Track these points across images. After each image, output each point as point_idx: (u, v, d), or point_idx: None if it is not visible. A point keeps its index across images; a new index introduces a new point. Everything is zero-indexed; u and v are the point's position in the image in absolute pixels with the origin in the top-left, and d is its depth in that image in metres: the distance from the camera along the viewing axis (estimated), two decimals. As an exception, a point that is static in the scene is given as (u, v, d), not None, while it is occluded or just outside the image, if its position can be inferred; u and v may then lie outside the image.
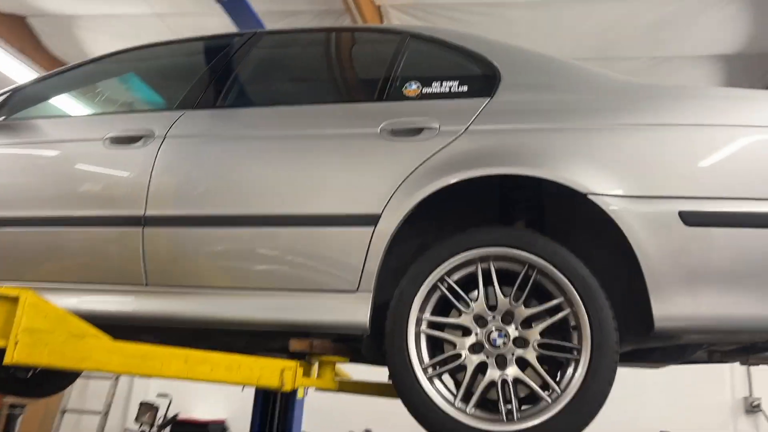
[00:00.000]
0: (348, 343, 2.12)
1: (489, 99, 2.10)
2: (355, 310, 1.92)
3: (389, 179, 1.99)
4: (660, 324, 1.73)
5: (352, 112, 2.21)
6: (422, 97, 2.18)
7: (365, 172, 2.04)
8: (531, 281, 1.87)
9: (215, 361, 1.73)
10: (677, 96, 2.01)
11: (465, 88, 2.18)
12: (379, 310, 1.92)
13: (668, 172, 1.84)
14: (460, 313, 1.90)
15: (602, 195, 1.83)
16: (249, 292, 2.04)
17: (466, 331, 1.89)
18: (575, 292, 1.79)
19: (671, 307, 1.73)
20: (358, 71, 2.57)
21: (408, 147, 2.03)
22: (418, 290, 1.89)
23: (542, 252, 1.84)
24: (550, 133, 1.97)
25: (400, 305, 1.88)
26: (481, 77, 2.21)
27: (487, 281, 1.91)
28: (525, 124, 2.01)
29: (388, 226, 1.94)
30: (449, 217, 2.11)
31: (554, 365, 1.90)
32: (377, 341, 1.94)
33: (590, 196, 1.83)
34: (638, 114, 1.95)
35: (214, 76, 2.41)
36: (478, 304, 1.89)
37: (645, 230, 1.78)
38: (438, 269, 1.90)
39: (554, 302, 1.85)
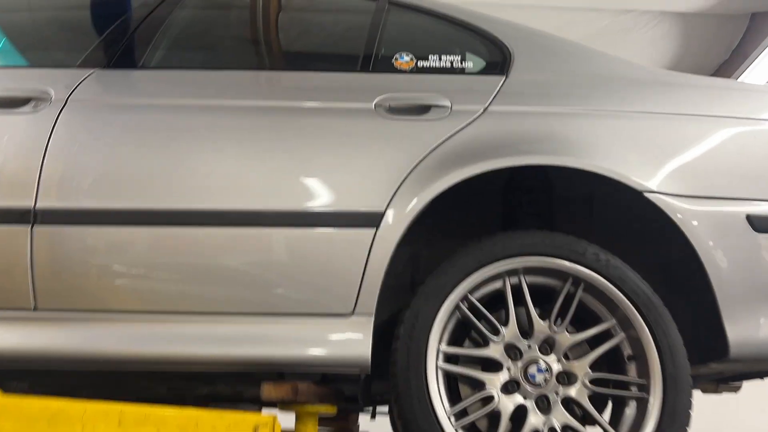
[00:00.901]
0: (333, 385, 1.61)
1: (504, 77, 1.75)
2: (350, 341, 1.45)
3: (393, 167, 1.56)
4: (737, 350, 1.45)
5: (333, 81, 1.75)
6: (418, 70, 1.79)
7: (361, 158, 1.59)
8: (576, 299, 1.51)
9: (163, 419, 1.16)
10: (724, 87, 1.79)
11: (470, 65, 1.82)
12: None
13: (731, 169, 1.59)
14: (485, 341, 1.49)
15: (661, 193, 1.53)
16: (193, 319, 1.49)
17: (493, 366, 1.49)
18: (637, 313, 1.47)
19: (750, 328, 1.46)
20: (332, 33, 2.11)
21: (414, 128, 1.62)
22: (437, 312, 1.46)
23: (594, 263, 1.50)
24: (588, 119, 1.65)
25: (416, 333, 1.44)
26: (485, 53, 1.87)
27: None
28: (555, 107, 1.69)
29: (394, 228, 1.50)
30: (438, 219, 1.70)
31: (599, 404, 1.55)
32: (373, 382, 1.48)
33: (647, 195, 1.53)
34: (688, 104, 1.70)
35: (139, 25, 1.83)
36: (510, 330, 1.51)
37: (712, 237, 1.51)
38: (462, 284, 1.49)
39: (604, 326, 1.52)
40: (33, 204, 1.50)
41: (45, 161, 1.54)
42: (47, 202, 1.51)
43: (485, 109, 1.66)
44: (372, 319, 1.47)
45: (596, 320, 1.55)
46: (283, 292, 1.50)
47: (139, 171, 1.55)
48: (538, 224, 1.81)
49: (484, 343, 1.51)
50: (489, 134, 1.62)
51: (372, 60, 1.82)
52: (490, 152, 1.58)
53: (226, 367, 1.48)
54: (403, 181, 1.54)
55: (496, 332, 1.49)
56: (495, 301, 1.57)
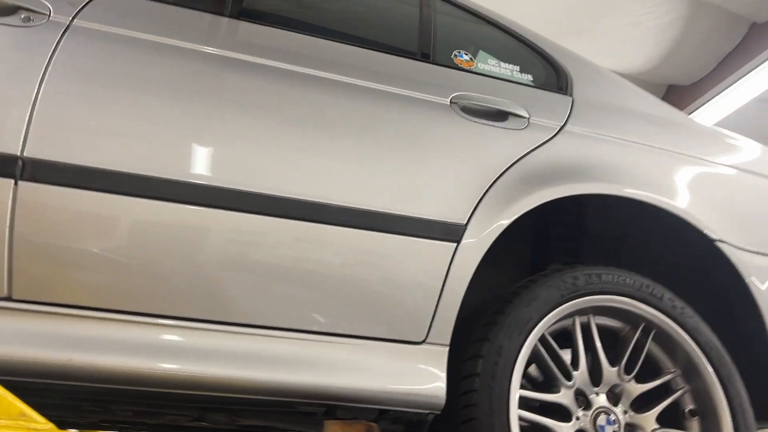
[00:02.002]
0: (397, 425, 1.37)
1: (571, 98, 1.66)
2: (421, 374, 1.25)
3: (474, 176, 1.40)
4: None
5: (399, 66, 1.54)
6: (481, 73, 1.64)
7: (439, 158, 1.40)
8: (647, 346, 1.44)
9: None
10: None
11: (530, 78, 1.71)
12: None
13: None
14: (555, 385, 1.36)
15: (731, 245, 1.52)
16: (223, 329, 1.19)
17: (562, 413, 1.36)
18: (710, 367, 1.42)
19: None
20: (384, 11, 1.86)
21: (494, 135, 1.48)
22: (521, 348, 1.32)
23: (670, 309, 1.45)
24: (654, 155, 1.62)
25: (500, 371, 1.27)
26: (540, 70, 1.78)
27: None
28: (621, 136, 1.62)
29: (477, 245, 1.34)
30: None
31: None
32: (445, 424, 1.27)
33: (720, 244, 1.51)
34: (746, 160, 1.74)
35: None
36: (581, 375, 1.39)
37: (770, 293, 1.52)
38: (545, 320, 1.36)
39: (669, 376, 1.46)
40: (19, 150, 1.12)
41: (40, 94, 1.16)
42: (41, 150, 1.13)
43: (562, 128, 1.57)
44: (447, 350, 1.29)
45: (656, 370, 1.50)
46: (341, 306, 1.26)
47: (166, 132, 1.23)
48: (568, 259, 1.77)
49: (553, 387, 1.38)
50: (568, 155, 1.53)
51: (431, 52, 1.65)
52: (571, 175, 1.49)
53: (268, 395, 1.19)
54: (485, 193, 1.39)
55: (568, 376, 1.37)
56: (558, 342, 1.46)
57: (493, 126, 1.50)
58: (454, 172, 1.40)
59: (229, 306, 1.21)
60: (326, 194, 1.27)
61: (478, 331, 1.34)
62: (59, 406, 1.41)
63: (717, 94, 4.40)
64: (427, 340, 1.28)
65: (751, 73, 4.05)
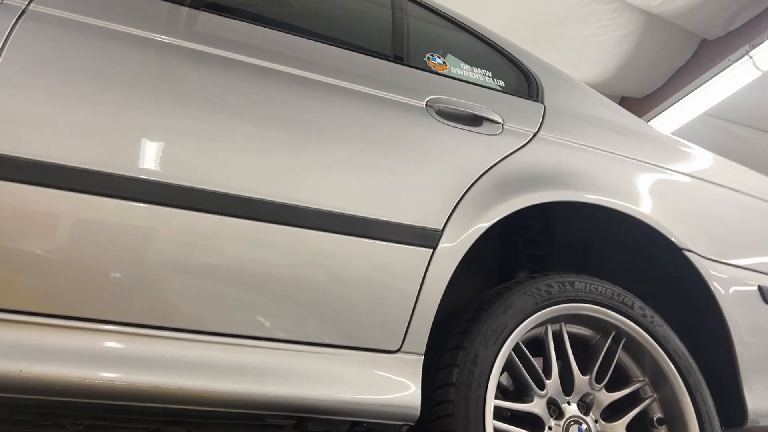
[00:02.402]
0: None
1: (543, 105, 1.68)
2: (396, 384, 1.22)
3: (450, 181, 1.39)
4: (755, 418, 1.50)
5: (373, 66, 1.51)
6: (454, 77, 1.63)
7: (415, 162, 1.38)
8: (617, 355, 1.46)
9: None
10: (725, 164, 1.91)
11: (501, 83, 1.71)
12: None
13: (748, 240, 1.69)
14: (527, 395, 1.36)
15: (698, 254, 1.56)
16: (180, 337, 1.12)
17: (534, 423, 1.35)
18: (678, 375, 1.45)
19: (766, 398, 1.52)
20: (355, 9, 1.82)
21: (470, 140, 1.47)
22: (496, 357, 1.30)
23: (641, 318, 1.47)
24: (624, 164, 1.65)
25: (476, 380, 1.26)
26: (511, 76, 1.79)
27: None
28: (592, 145, 1.64)
29: (454, 251, 1.33)
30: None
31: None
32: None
33: (687, 253, 1.55)
34: (717, 173, 1.81)
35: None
36: (553, 384, 1.39)
37: (735, 303, 1.57)
38: (519, 328, 1.35)
39: (637, 385, 1.48)
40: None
41: (-8, 83, 1.07)
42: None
43: (535, 134, 1.58)
44: (422, 359, 1.26)
45: (625, 379, 1.52)
46: (310, 314, 1.21)
47: (115, 125, 1.15)
48: (536, 267, 1.78)
49: (525, 396, 1.37)
50: (542, 161, 1.53)
51: (405, 54, 1.63)
52: (545, 182, 1.50)
53: (234, 407, 1.13)
54: (462, 198, 1.37)
55: (541, 385, 1.37)
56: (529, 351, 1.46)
57: (469, 131, 1.49)
58: (431, 176, 1.39)
59: (186, 312, 1.14)
60: (295, 196, 1.22)
61: (453, 340, 1.32)
62: (4, 421, 1.31)
63: (667, 108, 4.57)
64: (402, 349, 1.26)
65: (700, 88, 4.23)
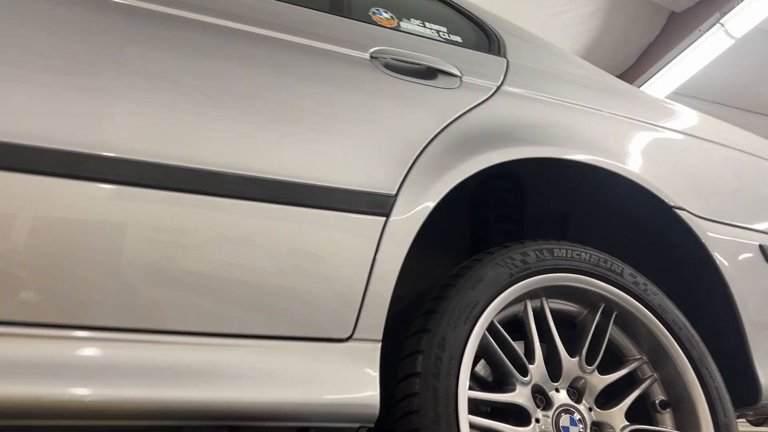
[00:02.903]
0: None
1: (506, 60, 1.51)
2: (348, 379, 1.02)
3: (402, 140, 1.21)
4: (770, 395, 1.33)
5: (313, 20, 1.32)
6: (404, 31, 1.46)
7: (360, 119, 1.19)
8: (608, 331, 1.28)
9: None
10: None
11: (459, 39, 1.55)
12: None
13: (744, 198, 1.53)
14: (508, 383, 1.17)
15: (691, 213, 1.40)
16: (87, 338, 0.92)
17: (519, 415, 1.17)
18: (678, 347, 1.28)
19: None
20: None
21: (424, 94, 1.29)
22: (467, 340, 1.11)
23: (632, 286, 1.30)
24: (612, 120, 1.49)
25: (444, 369, 1.06)
26: (469, 32, 1.63)
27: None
28: (573, 99, 1.48)
29: (411, 220, 1.14)
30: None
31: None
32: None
33: (680, 212, 1.38)
34: (705, 129, 1.67)
35: None
36: (538, 370, 1.21)
37: (736, 266, 1.41)
38: (493, 305, 1.17)
39: (633, 365, 1.31)
40: None
41: None
42: None
43: (499, 88, 1.41)
44: (379, 347, 1.06)
45: (619, 359, 1.34)
46: (240, 299, 1.01)
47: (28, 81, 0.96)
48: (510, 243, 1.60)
49: (506, 385, 1.19)
50: (508, 116, 1.36)
51: (345, 6, 1.45)
52: (514, 138, 1.31)
53: (143, 418, 0.92)
54: (417, 159, 1.19)
55: (523, 371, 1.19)
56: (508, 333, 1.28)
57: (422, 84, 1.31)
58: (379, 133, 1.20)
59: (67, 304, 0.94)
60: (213, 159, 1.02)
61: (417, 322, 1.13)
62: None
63: (642, 85, 4.47)
64: (354, 336, 1.06)
65: (673, 62, 4.13)
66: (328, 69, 1.23)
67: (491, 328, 1.20)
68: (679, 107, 1.81)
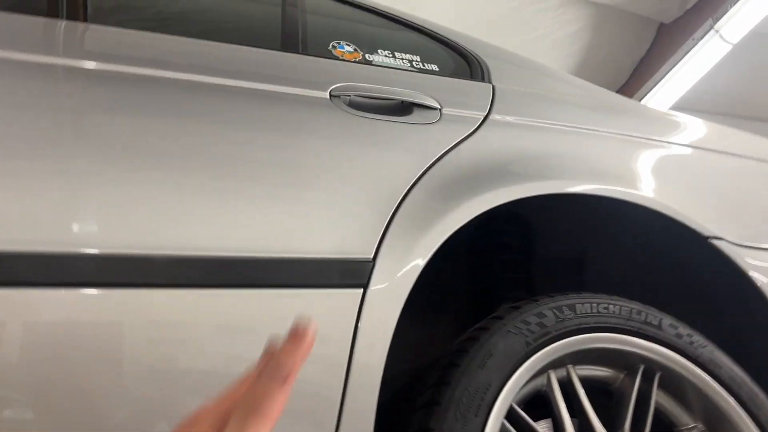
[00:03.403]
0: None
1: (491, 85, 1.33)
2: None
3: (378, 189, 1.00)
4: None
5: (260, 59, 1.14)
6: (370, 63, 1.29)
7: (324, 170, 0.99)
8: (653, 398, 1.06)
9: None
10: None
11: (435, 68, 1.37)
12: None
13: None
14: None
15: (729, 242, 1.19)
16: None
17: None
18: (741, 409, 1.06)
19: None
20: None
21: (397, 133, 1.10)
22: (481, 439, 0.88)
23: (675, 340, 1.08)
24: (626, 143, 1.31)
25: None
26: (447, 59, 1.47)
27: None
28: (574, 123, 1.30)
29: (395, 287, 0.93)
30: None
31: None
32: None
33: (716, 242, 1.17)
34: (724, 142, 1.49)
35: None
36: (573, 460, 0.98)
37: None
38: (509, 385, 0.94)
39: (689, 437, 1.08)
40: None
41: None
42: None
43: (486, 117, 1.22)
44: (368, 456, 0.84)
45: (667, 429, 1.12)
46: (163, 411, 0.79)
47: None
48: (520, 294, 1.39)
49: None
50: (500, 149, 1.16)
51: (300, 43, 1.28)
52: (509, 174, 1.12)
53: None
54: (396, 210, 0.99)
55: (555, 467, 0.96)
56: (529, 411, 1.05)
57: (395, 122, 1.13)
58: (346, 185, 1.00)
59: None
60: (146, 241, 0.83)
61: (414, 420, 0.91)
62: None
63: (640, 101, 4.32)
64: (338, 444, 0.85)
65: (668, 75, 3.98)
66: (281, 115, 1.04)
67: (510, 416, 0.98)
68: (690, 119, 1.63)
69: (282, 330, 0.90)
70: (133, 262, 0.82)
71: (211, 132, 0.97)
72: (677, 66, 3.86)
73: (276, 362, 0.45)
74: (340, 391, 0.85)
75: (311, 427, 0.85)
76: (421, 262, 0.97)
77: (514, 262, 1.43)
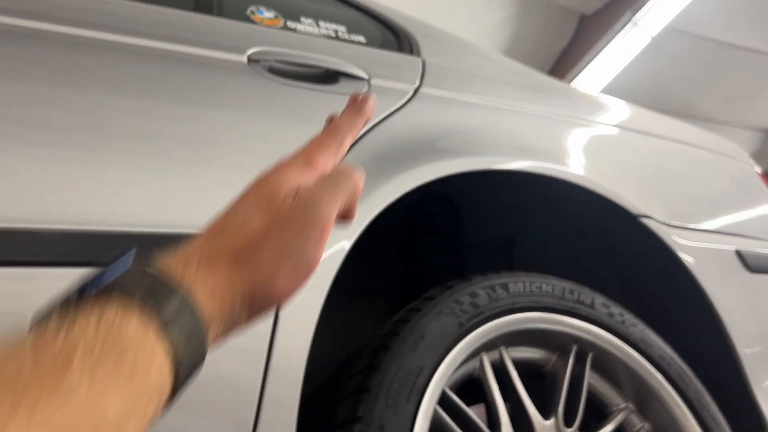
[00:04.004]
0: None
1: (421, 59, 1.29)
2: None
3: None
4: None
5: (170, 20, 1.04)
6: (292, 29, 1.22)
7: (235, 142, 0.91)
8: (585, 380, 1.05)
9: None
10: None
11: (361, 39, 1.32)
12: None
13: (708, 198, 1.37)
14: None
15: (657, 220, 1.20)
16: None
17: None
18: (671, 387, 1.06)
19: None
20: None
21: (323, 103, 1.03)
22: (413, 423, 0.83)
23: (607, 319, 1.07)
24: (556, 122, 1.29)
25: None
26: (374, 31, 1.40)
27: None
28: (500, 99, 1.27)
29: (319, 269, 0.85)
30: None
31: None
32: None
33: (645, 220, 1.18)
34: (652, 124, 1.51)
35: None
36: (507, 443, 0.95)
37: (715, 276, 1.22)
38: (441, 368, 0.90)
39: (619, 417, 1.08)
40: None
41: None
42: None
43: (417, 90, 1.17)
44: (289, 454, 0.77)
45: (599, 410, 1.11)
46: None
47: None
48: (451, 279, 1.37)
49: (469, 471, 0.93)
50: (431, 124, 1.12)
51: (215, 4, 1.19)
52: (441, 149, 1.08)
53: None
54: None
55: (489, 451, 0.93)
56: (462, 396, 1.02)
57: (319, 91, 1.07)
58: (263, 157, 0.94)
59: None
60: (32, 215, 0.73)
61: (343, 408, 0.86)
62: None
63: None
64: (257, 443, 0.78)
65: (588, 67, 4.11)
66: (190, 79, 0.96)
67: (443, 400, 0.94)
68: (615, 101, 1.66)
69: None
70: (18, 236, 0.72)
71: (104, 98, 0.88)
72: (599, 57, 4.00)
73: (333, 126, 0.47)
74: (259, 383, 0.79)
75: (227, 422, 0.78)
76: (346, 243, 0.92)
77: (444, 246, 1.41)
